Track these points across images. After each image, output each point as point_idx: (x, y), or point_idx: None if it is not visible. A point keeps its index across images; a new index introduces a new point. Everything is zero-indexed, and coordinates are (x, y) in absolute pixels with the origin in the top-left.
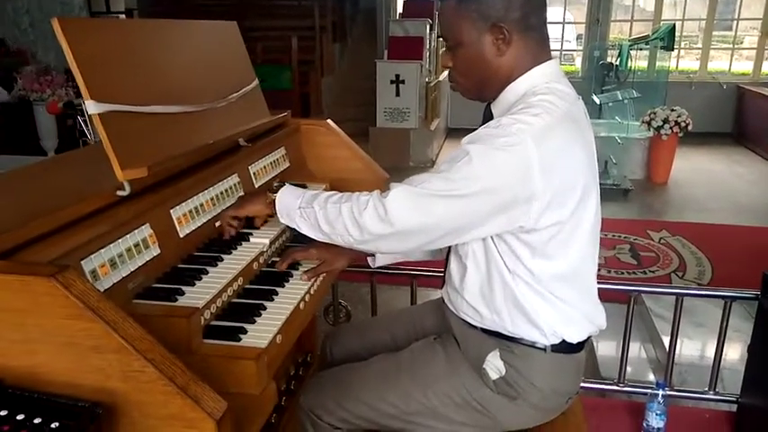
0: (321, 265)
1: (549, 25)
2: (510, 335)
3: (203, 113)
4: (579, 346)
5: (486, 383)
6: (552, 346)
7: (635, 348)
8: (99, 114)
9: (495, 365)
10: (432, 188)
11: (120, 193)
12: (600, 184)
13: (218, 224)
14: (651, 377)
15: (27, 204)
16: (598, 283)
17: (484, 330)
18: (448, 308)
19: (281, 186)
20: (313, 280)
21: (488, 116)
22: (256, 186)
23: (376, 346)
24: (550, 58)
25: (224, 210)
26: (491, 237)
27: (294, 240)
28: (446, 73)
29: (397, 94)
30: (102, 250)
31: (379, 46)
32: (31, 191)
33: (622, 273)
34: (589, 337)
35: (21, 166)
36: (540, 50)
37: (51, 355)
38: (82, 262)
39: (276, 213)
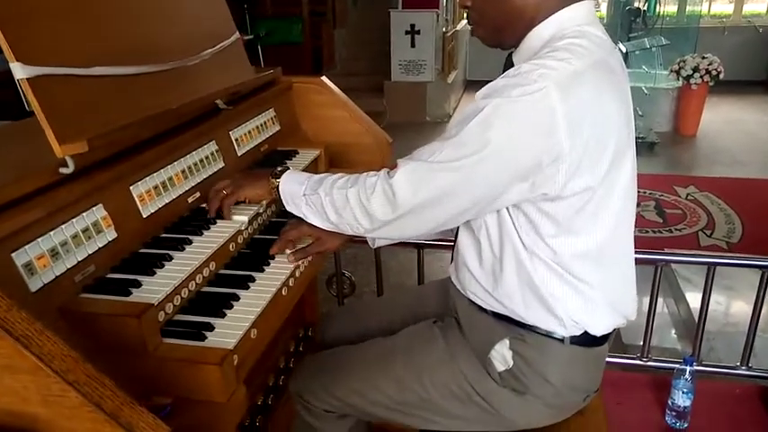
0: (313, 244)
1: None
2: (523, 321)
3: (169, 73)
4: (602, 339)
5: (491, 374)
6: (572, 337)
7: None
8: (28, 79)
9: (502, 355)
10: (442, 158)
11: (63, 170)
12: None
13: (211, 214)
14: (675, 342)
15: None
16: None
17: (494, 315)
18: (454, 286)
19: (285, 171)
20: (301, 261)
21: (509, 68)
22: (239, 154)
23: (372, 329)
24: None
25: (216, 186)
26: (507, 207)
27: (281, 215)
28: (464, 22)
29: (413, 45)
30: (41, 239)
31: None
32: None
33: (646, 231)
34: (615, 330)
35: None
36: None
37: None
38: (13, 255)
39: (280, 200)
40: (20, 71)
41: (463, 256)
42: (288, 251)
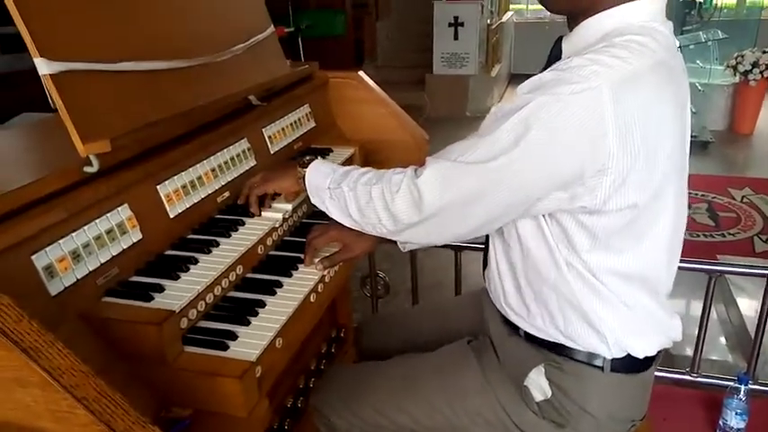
0: (341, 251)
1: None
2: (562, 342)
3: (200, 69)
4: (647, 363)
5: (528, 405)
6: (612, 361)
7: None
8: (51, 75)
9: (538, 384)
10: (474, 158)
11: (87, 169)
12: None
13: (239, 200)
14: (726, 353)
15: None
16: None
17: (528, 337)
18: (489, 299)
19: (313, 161)
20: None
21: (556, 55)
22: (272, 152)
23: (405, 342)
24: None
25: (247, 180)
26: (543, 214)
27: (312, 216)
28: (510, 14)
29: (456, 37)
30: (62, 240)
31: None
32: None
33: (698, 235)
34: (660, 352)
35: None
36: None
37: None
38: (33, 257)
39: (306, 191)
40: (44, 67)
41: (495, 262)
42: (315, 260)
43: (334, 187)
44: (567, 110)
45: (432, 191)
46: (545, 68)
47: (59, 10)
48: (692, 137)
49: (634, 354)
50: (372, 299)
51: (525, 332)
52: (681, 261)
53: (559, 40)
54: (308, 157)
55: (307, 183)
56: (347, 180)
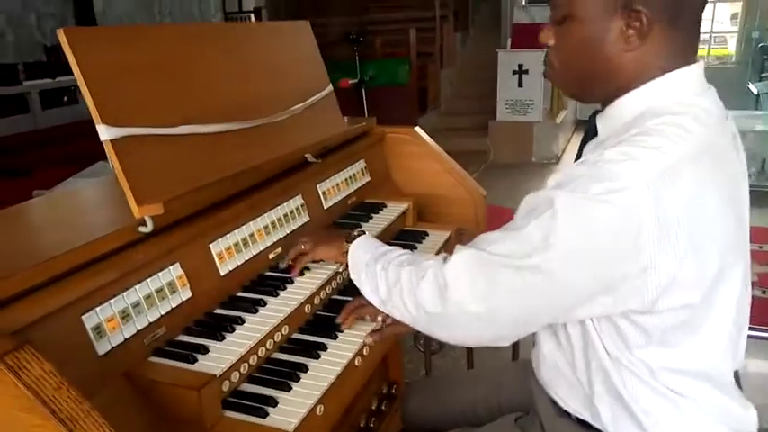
0: (390, 326)
1: None
2: None
3: (257, 129)
4: None
5: None
6: None
7: None
8: (112, 141)
9: None
10: (501, 252)
11: (142, 229)
12: (755, 186)
13: (281, 264)
14: None
15: (28, 246)
16: (750, 325)
17: (580, 422)
18: (535, 378)
19: (360, 235)
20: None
21: (592, 131)
22: (325, 208)
23: (453, 411)
24: (696, 62)
25: (294, 240)
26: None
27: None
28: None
29: (520, 84)
30: (113, 300)
31: (503, 34)
32: (36, 229)
33: None
34: None
35: (30, 201)
36: (685, 49)
37: None
38: (83, 317)
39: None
40: (104, 133)
41: (542, 346)
42: (341, 340)
43: (370, 264)
44: (601, 212)
45: (457, 280)
46: (582, 145)
47: (121, 78)
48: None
49: None
50: (426, 354)
51: (576, 417)
52: (757, 329)
53: (594, 115)
54: (356, 231)
55: (349, 257)
56: (383, 259)
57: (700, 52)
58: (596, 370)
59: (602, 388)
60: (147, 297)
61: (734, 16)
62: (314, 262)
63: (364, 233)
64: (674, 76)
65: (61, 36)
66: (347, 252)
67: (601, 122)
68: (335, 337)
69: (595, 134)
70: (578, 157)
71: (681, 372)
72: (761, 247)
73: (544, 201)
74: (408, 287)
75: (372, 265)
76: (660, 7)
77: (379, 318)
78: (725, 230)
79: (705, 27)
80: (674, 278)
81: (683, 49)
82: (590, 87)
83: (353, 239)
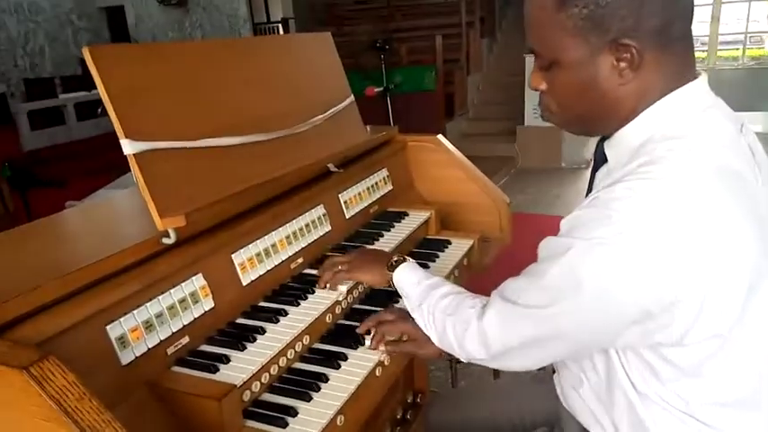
0: (409, 342)
1: (730, 4)
2: None
3: (280, 141)
4: None
5: None
6: None
7: None
8: (135, 155)
9: None
10: (529, 303)
11: (165, 240)
12: None
13: (320, 286)
14: None
15: (56, 258)
16: None
17: None
18: (561, 404)
19: (400, 263)
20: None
21: (602, 158)
22: (347, 217)
23: (477, 424)
24: (695, 77)
25: (334, 259)
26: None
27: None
28: None
29: None
30: (137, 311)
31: None
32: (64, 241)
33: None
34: None
35: (60, 213)
36: (682, 68)
37: None
38: (107, 327)
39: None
40: (128, 147)
41: (566, 374)
42: (362, 350)
43: (416, 305)
44: (615, 254)
45: (495, 333)
46: (594, 172)
47: (144, 94)
48: None
49: None
50: (452, 362)
51: None
52: None
53: (602, 141)
54: (395, 259)
55: (398, 288)
56: (428, 301)
57: (734, 53)
58: (620, 398)
59: (625, 418)
60: (171, 307)
61: None
62: None
63: (404, 260)
64: (675, 96)
65: (86, 54)
66: (390, 279)
67: (609, 150)
68: (356, 347)
69: (605, 160)
70: (590, 184)
71: (715, 403)
72: None
73: (559, 248)
74: (455, 338)
75: (419, 306)
76: (648, 36)
77: (404, 337)
78: (751, 254)
79: (740, 27)
80: (701, 308)
81: (681, 67)
82: (594, 125)
83: (395, 267)
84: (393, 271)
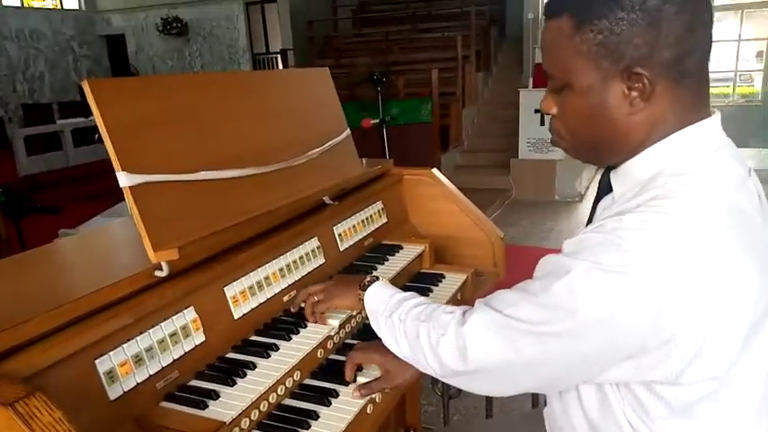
0: (381, 379)
1: (720, 43)
2: None
3: (275, 174)
4: None
5: None
6: None
7: None
8: (130, 187)
9: None
10: (520, 316)
11: (158, 273)
12: None
13: (292, 309)
14: None
15: (46, 290)
16: None
17: None
18: None
19: (373, 282)
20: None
21: (606, 188)
22: (341, 249)
23: None
24: (709, 115)
25: (308, 289)
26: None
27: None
28: None
29: (542, 123)
30: (126, 345)
31: (525, 74)
32: (55, 272)
33: None
34: None
35: (52, 243)
36: (695, 104)
37: None
38: (96, 361)
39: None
40: (124, 179)
41: (555, 409)
42: (353, 387)
43: (387, 315)
44: (617, 283)
45: (477, 343)
46: (595, 202)
47: (142, 127)
48: None
49: None
50: (444, 398)
51: None
52: None
53: (607, 171)
54: (368, 278)
55: (366, 306)
56: (399, 310)
57: (725, 90)
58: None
59: None
60: (161, 341)
61: (759, 54)
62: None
63: (377, 279)
64: (689, 132)
65: (86, 87)
66: (363, 300)
67: (615, 180)
68: (347, 384)
69: (609, 190)
70: (592, 213)
71: None
72: None
73: (561, 267)
74: (428, 345)
75: (389, 317)
76: (661, 67)
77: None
78: (753, 295)
79: (730, 65)
80: (701, 348)
81: (694, 103)
82: (602, 153)
83: (367, 286)
84: (365, 290)
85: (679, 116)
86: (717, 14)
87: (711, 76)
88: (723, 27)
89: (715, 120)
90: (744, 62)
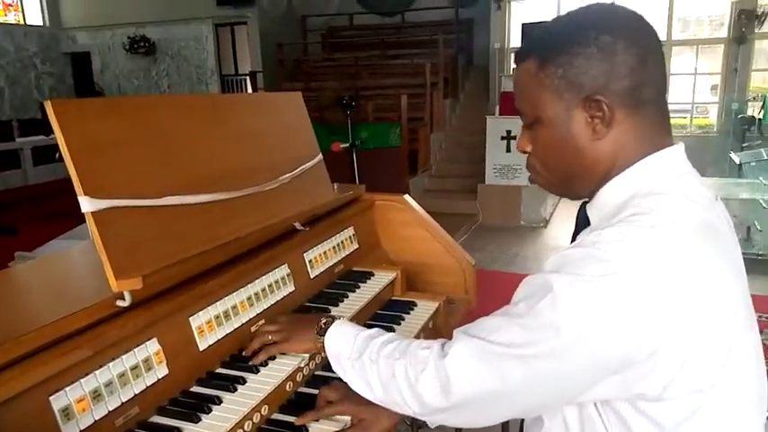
0: (355, 427)
1: (678, 76)
2: None
3: (245, 199)
4: None
5: None
6: None
7: None
8: (93, 213)
9: None
10: (504, 341)
11: (120, 303)
12: (743, 254)
13: (245, 353)
14: None
15: None
16: None
17: None
18: None
19: (331, 324)
20: None
21: (583, 221)
22: (311, 276)
23: None
24: (672, 144)
25: (263, 328)
26: (594, 402)
27: None
28: None
29: (508, 150)
30: (84, 379)
31: (492, 101)
32: (9, 301)
33: None
34: None
35: (7, 270)
36: (656, 133)
37: None
38: (51, 398)
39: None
40: (86, 204)
41: (531, 430)
42: (324, 423)
43: (355, 357)
44: (601, 294)
45: (461, 375)
46: (574, 236)
47: (106, 150)
48: (758, 255)
49: None
50: (412, 428)
51: None
52: None
53: (583, 206)
54: (324, 321)
55: (327, 352)
56: (369, 350)
57: (682, 122)
58: None
59: None
60: (121, 375)
61: (713, 87)
62: None
63: (334, 319)
64: (657, 157)
65: (48, 108)
66: (322, 346)
67: (592, 212)
68: (318, 419)
69: (587, 224)
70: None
71: None
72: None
73: (543, 285)
74: (406, 383)
75: (358, 359)
76: (618, 96)
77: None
78: (732, 304)
79: (687, 97)
80: (685, 359)
81: (656, 132)
82: (574, 184)
83: (325, 330)
84: (324, 335)
85: (642, 143)
86: (674, 49)
87: (670, 107)
88: (680, 61)
89: (679, 148)
90: (700, 94)
